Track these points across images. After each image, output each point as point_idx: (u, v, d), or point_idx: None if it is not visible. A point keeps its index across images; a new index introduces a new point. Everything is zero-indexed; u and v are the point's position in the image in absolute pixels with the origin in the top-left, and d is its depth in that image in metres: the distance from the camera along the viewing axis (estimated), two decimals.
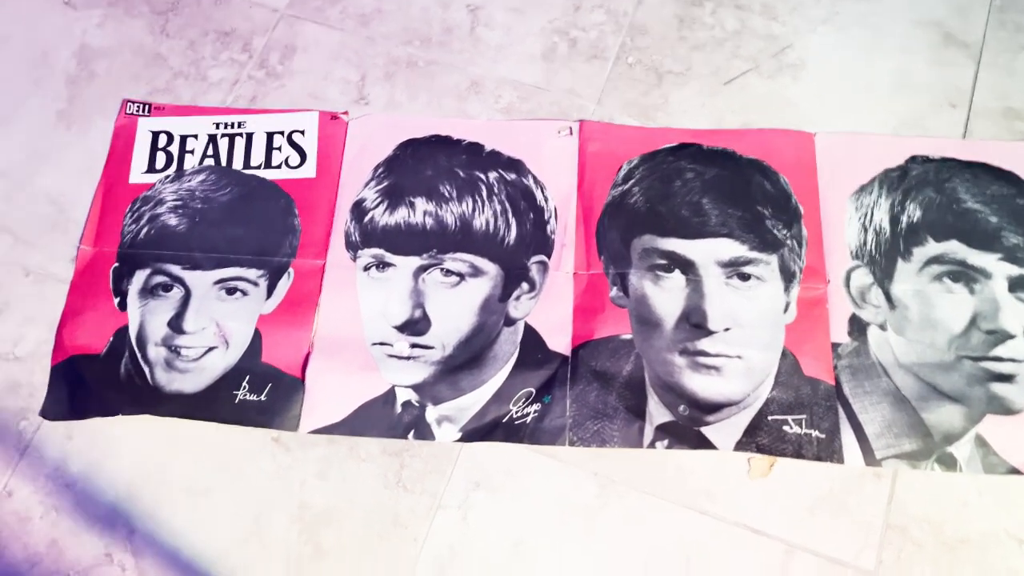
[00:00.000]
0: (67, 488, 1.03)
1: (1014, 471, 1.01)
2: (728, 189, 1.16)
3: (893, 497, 1.01)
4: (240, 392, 1.07)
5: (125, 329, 1.10)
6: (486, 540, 1.00)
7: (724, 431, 1.04)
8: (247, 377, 1.08)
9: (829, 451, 1.02)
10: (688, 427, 1.04)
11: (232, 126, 1.23)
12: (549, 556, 0.99)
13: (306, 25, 1.31)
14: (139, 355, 1.09)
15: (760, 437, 1.03)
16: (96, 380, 1.08)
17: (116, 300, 1.12)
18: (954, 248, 1.11)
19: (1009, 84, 1.24)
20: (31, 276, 1.15)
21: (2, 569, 0.99)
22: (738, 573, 0.98)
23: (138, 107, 1.24)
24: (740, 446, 1.03)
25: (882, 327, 1.09)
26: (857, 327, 1.09)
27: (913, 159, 1.18)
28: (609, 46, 1.28)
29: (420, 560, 0.99)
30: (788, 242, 1.13)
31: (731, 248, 1.12)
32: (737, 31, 1.29)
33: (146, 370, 1.08)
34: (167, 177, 1.20)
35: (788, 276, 1.11)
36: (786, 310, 1.10)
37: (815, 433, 1.03)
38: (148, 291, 1.12)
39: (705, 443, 1.03)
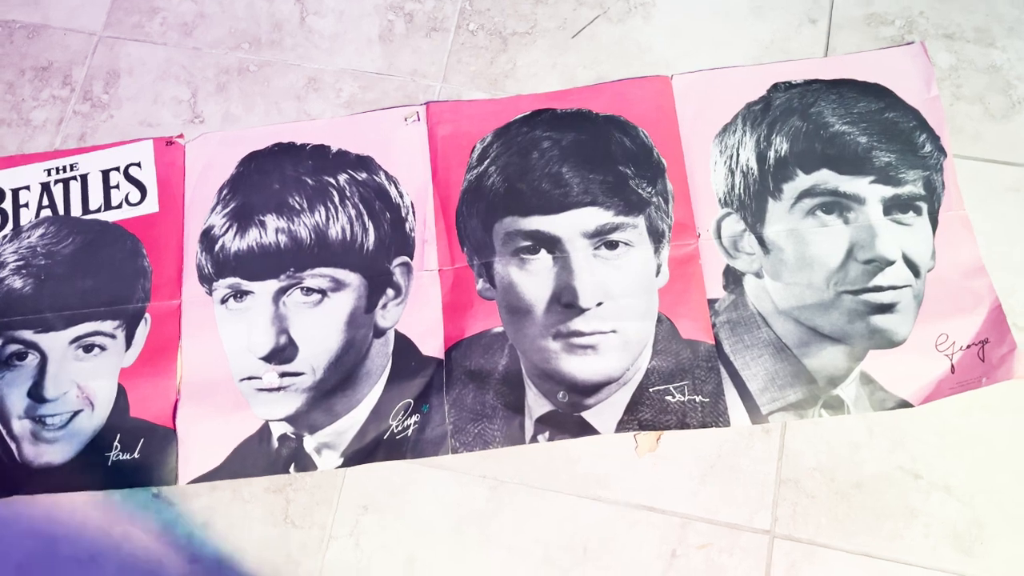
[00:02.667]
0: None
1: (904, 404, 0.99)
2: (587, 153, 1.10)
3: (783, 451, 0.99)
4: (112, 453, 1.04)
5: None
6: (381, 562, 0.99)
7: (605, 412, 1.01)
8: (118, 436, 1.04)
9: (715, 415, 1.00)
10: (568, 415, 1.01)
11: (64, 170, 1.16)
12: (447, 568, 0.98)
13: (126, 45, 1.22)
14: (3, 432, 1.05)
15: (642, 412, 1.00)
16: None
17: None
18: (825, 177, 1.07)
19: None
20: None
21: None
22: (636, 554, 0.97)
23: None
24: (622, 426, 1.00)
25: (758, 275, 1.05)
26: (732, 279, 1.05)
27: (775, 87, 1.12)
28: (448, 15, 1.20)
29: None
30: (654, 200, 1.08)
31: (596, 216, 1.07)
32: None
33: (12, 447, 1.05)
34: (4, 236, 1.14)
35: (657, 237, 1.07)
36: (658, 273, 1.06)
37: (699, 399, 1.01)
38: (2, 363, 1.08)
39: (587, 429, 1.00)
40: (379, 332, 1.07)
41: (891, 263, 1.03)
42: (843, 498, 0.96)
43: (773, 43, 1.15)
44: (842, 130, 1.08)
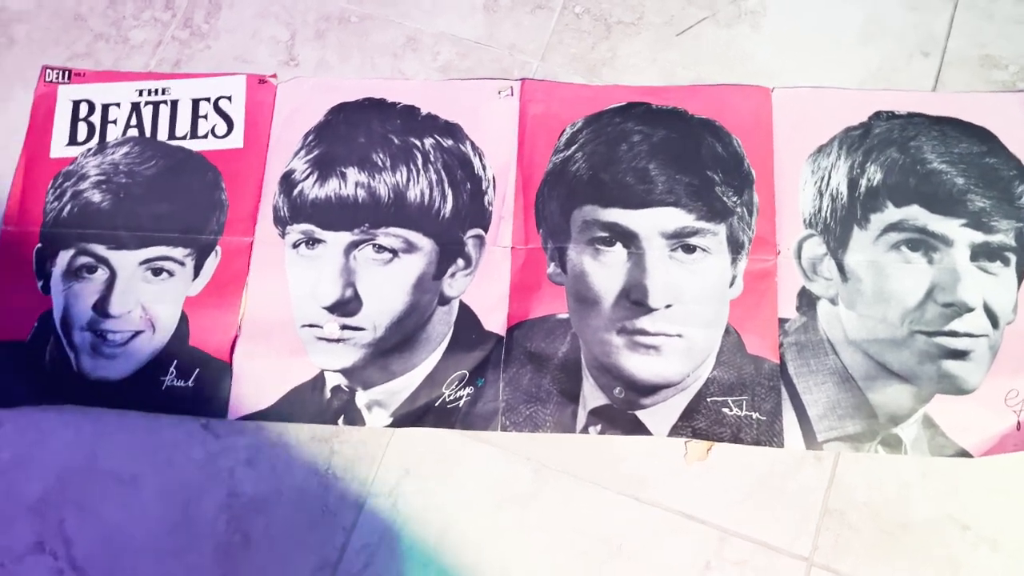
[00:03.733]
0: None
1: (963, 453, 0.97)
2: (677, 153, 1.09)
3: (833, 481, 0.98)
4: (167, 378, 1.05)
5: (50, 313, 1.08)
6: (416, 527, 0.99)
7: (660, 415, 1.00)
8: (174, 362, 1.05)
9: (769, 435, 0.99)
10: (622, 411, 1.00)
11: (156, 92, 1.17)
12: (481, 543, 0.98)
13: None
14: (64, 341, 1.06)
15: (697, 421, 1.00)
16: (22, 368, 1.06)
17: (40, 283, 1.09)
18: (915, 214, 1.04)
19: (988, 29, 1.14)
20: None
21: None
22: (671, 559, 0.96)
23: (57, 74, 1.18)
24: (676, 431, 0.99)
25: (833, 301, 1.03)
26: (806, 301, 1.04)
27: (877, 115, 1.10)
28: None
29: (349, 548, 0.98)
30: (738, 210, 1.07)
31: (677, 218, 1.05)
32: None
33: (71, 356, 1.06)
34: (89, 150, 1.15)
35: (736, 247, 1.06)
36: (732, 284, 1.05)
37: (755, 415, 1.00)
38: (72, 273, 1.09)
39: (640, 428, 1.00)
40: (444, 300, 1.07)
41: (971, 310, 1.01)
42: (887, 537, 0.95)
43: (880, 70, 1.13)
44: (940, 168, 1.06)
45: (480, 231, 1.09)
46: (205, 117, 1.15)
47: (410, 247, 1.08)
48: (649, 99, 1.13)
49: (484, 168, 1.11)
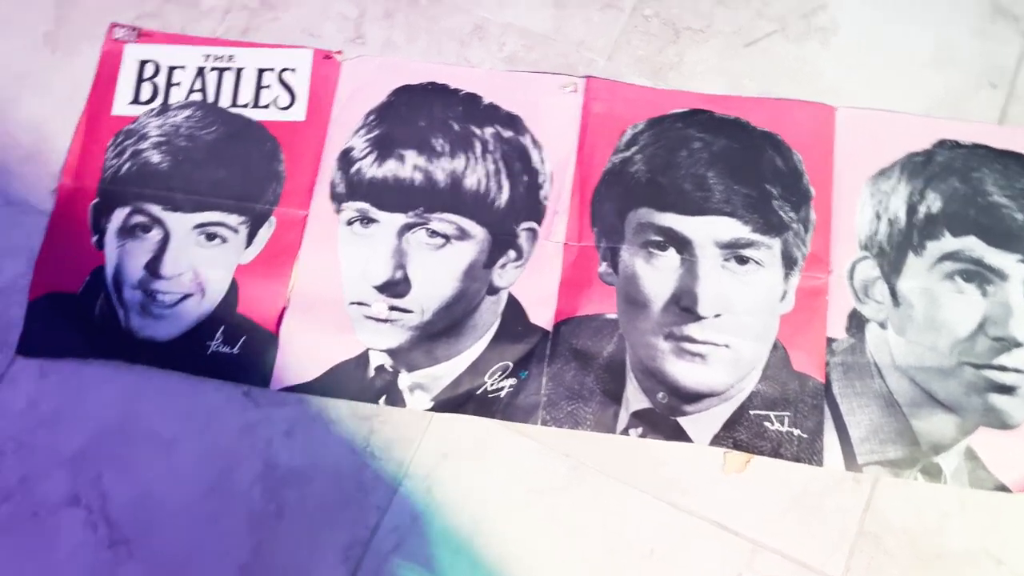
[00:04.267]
0: (39, 426, 1.03)
1: (1002, 488, 0.97)
2: (736, 163, 1.09)
3: (870, 504, 0.98)
4: (213, 343, 1.05)
5: (102, 269, 1.08)
6: (450, 513, 0.99)
7: (702, 423, 1.00)
8: (221, 328, 1.06)
9: (809, 453, 0.99)
10: (665, 416, 1.00)
11: (222, 59, 1.17)
12: (512, 535, 0.98)
13: None
14: (114, 297, 1.07)
15: (739, 432, 1.00)
16: (71, 320, 1.07)
17: (94, 238, 1.10)
18: (971, 245, 1.04)
19: None
20: (11, 206, 1.12)
21: None
22: (702, 568, 0.96)
23: (126, 32, 1.19)
24: (717, 440, 0.99)
25: (882, 325, 1.03)
26: (856, 323, 1.03)
27: (941, 144, 1.10)
28: None
29: (381, 528, 0.99)
30: (794, 226, 1.06)
31: (732, 228, 1.05)
32: None
33: (120, 313, 1.06)
34: (152, 111, 1.15)
35: (790, 263, 1.05)
36: (783, 299, 1.04)
37: (797, 432, 0.99)
38: (127, 231, 1.09)
39: (681, 434, 1.00)
40: (493, 290, 1.07)
41: (1020, 345, 1.00)
42: (922, 564, 0.95)
43: (946, 99, 1.13)
44: (1000, 202, 1.06)
45: (534, 224, 1.09)
46: (268, 87, 1.16)
47: (463, 234, 1.08)
48: (712, 107, 1.12)
49: (542, 162, 1.11)
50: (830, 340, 1.03)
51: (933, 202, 1.06)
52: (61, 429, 1.03)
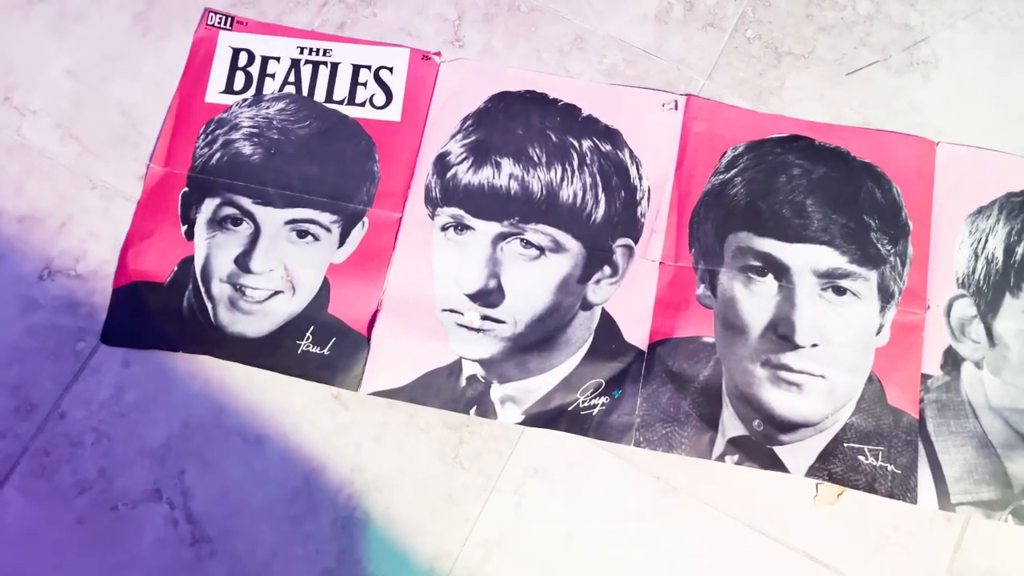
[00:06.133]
0: (121, 417, 1.02)
1: None
2: (835, 192, 1.08)
3: (961, 545, 0.97)
4: (303, 343, 1.04)
5: (190, 260, 1.06)
6: (538, 529, 0.98)
7: (797, 453, 1.00)
8: (311, 328, 1.04)
9: (903, 489, 0.98)
10: (761, 444, 1.00)
11: (317, 52, 1.15)
12: (599, 555, 0.97)
13: None
14: (203, 290, 1.05)
15: (834, 465, 0.99)
16: (157, 311, 1.05)
17: (183, 228, 1.08)
18: None
19: None
20: (97, 190, 1.10)
21: (48, 493, 0.99)
22: None
23: (220, 19, 1.16)
24: (812, 471, 0.99)
25: (978, 364, 1.03)
26: (952, 361, 1.03)
27: None
28: (728, 15, 1.18)
29: (469, 540, 0.97)
30: (891, 259, 1.06)
31: (830, 258, 1.05)
32: (870, 16, 1.18)
33: (209, 307, 1.05)
34: (244, 100, 1.13)
35: (886, 296, 1.05)
36: (879, 332, 1.04)
37: (891, 468, 0.99)
38: (217, 223, 1.08)
39: (777, 464, 0.99)
40: (587, 305, 1.06)
41: None
42: None
43: None
44: None
45: (630, 241, 1.08)
46: (364, 85, 1.14)
47: (558, 247, 1.07)
48: (813, 135, 1.12)
49: (640, 178, 1.10)
50: (925, 376, 1.03)
51: None
52: (144, 421, 1.01)
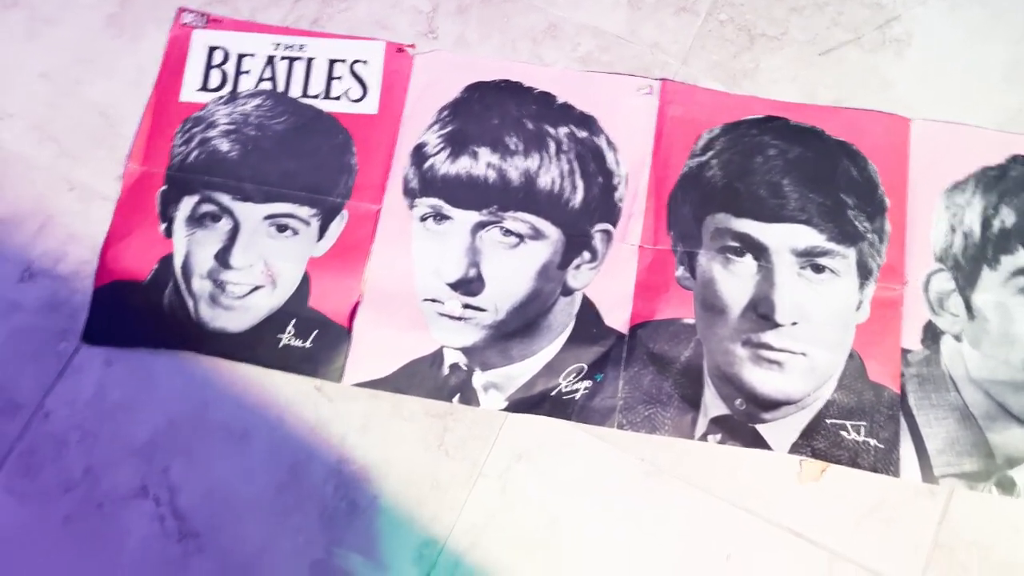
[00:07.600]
0: (105, 416, 1.02)
1: None
2: (811, 171, 1.08)
3: (945, 516, 0.98)
4: (285, 336, 1.04)
5: (170, 258, 1.07)
6: (524, 514, 0.99)
7: (780, 431, 1.00)
8: (293, 321, 1.04)
9: (886, 463, 0.99)
10: (743, 423, 1.00)
11: (292, 48, 1.16)
12: (586, 537, 0.98)
13: None
14: (183, 287, 1.05)
15: (817, 441, 1.00)
16: (138, 309, 1.05)
17: (162, 226, 1.08)
18: None
19: None
20: (75, 191, 1.10)
21: (35, 492, 0.99)
22: (780, 574, 0.96)
23: (194, 17, 1.17)
24: (795, 448, 0.99)
25: (957, 338, 1.03)
26: (931, 335, 1.04)
27: (1015, 159, 1.10)
28: None
29: (456, 527, 0.98)
30: (869, 236, 1.06)
31: (808, 236, 1.05)
32: None
33: (190, 304, 1.05)
34: (220, 98, 1.13)
35: (864, 273, 1.05)
36: (858, 309, 1.04)
37: (873, 442, 1.00)
38: (196, 220, 1.08)
39: (760, 442, 1.00)
40: (567, 291, 1.06)
41: None
42: None
43: (1020, 114, 1.13)
44: None
45: (608, 226, 1.08)
46: (340, 79, 1.14)
47: (537, 234, 1.07)
48: (787, 115, 1.12)
49: (617, 163, 1.11)
50: (905, 351, 1.03)
51: (1007, 216, 1.07)
52: (128, 419, 1.02)
